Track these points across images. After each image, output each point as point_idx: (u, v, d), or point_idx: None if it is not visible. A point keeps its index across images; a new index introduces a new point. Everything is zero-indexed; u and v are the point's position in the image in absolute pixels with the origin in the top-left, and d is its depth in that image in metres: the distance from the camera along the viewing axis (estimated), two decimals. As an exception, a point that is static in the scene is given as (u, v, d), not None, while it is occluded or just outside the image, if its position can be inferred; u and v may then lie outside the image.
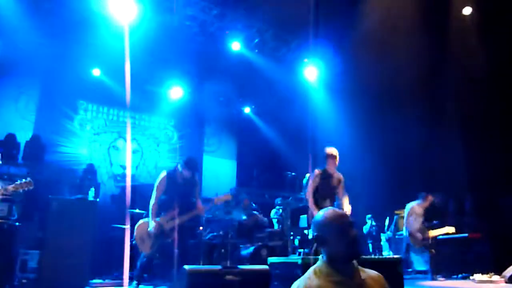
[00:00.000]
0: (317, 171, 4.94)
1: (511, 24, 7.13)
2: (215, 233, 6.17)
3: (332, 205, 4.82)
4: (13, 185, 4.10)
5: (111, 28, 7.11)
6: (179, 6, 7.69)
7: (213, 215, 6.47)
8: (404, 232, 6.71)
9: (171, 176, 4.70)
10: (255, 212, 6.82)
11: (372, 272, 1.85)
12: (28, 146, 7.22)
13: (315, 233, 1.83)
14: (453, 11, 8.10)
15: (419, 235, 6.47)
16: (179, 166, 4.73)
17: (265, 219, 6.89)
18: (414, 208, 6.63)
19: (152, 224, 4.54)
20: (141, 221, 4.76)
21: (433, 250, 6.38)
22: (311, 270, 1.79)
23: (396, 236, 8.56)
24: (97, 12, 7.08)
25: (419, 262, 7.25)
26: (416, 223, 6.52)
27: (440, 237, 6.72)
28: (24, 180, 4.19)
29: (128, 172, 8.50)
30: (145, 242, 4.60)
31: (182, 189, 4.69)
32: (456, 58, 8.02)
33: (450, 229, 6.53)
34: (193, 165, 4.78)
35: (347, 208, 4.86)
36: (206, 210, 5.11)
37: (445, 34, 8.12)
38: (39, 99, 8.07)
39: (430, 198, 6.71)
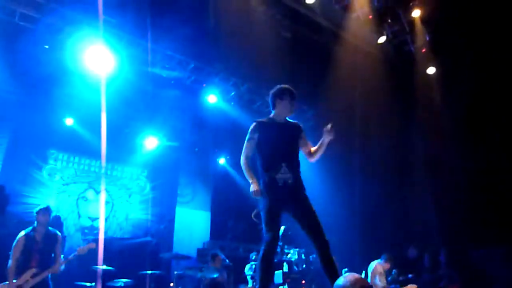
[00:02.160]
0: None
1: (471, 80, 7.61)
2: (186, 290, 5.89)
3: None
4: None
5: (86, 78, 7.13)
6: (156, 59, 7.85)
7: (184, 272, 6.21)
8: None
9: (29, 236, 4.75)
10: (225, 269, 6.61)
11: None
12: (-9, 197, 6.88)
13: None
14: (418, 72, 8.63)
15: None
16: (35, 224, 4.80)
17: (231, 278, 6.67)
18: (377, 267, 6.70)
19: (9, 285, 4.46)
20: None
21: None
22: None
23: (373, 290, 8.43)
24: (72, 63, 7.11)
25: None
26: (381, 282, 6.59)
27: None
28: None
29: (101, 225, 8.16)
30: None
31: (40, 247, 4.73)
32: (423, 115, 8.41)
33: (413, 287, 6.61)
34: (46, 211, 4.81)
35: None
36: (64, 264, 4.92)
37: (411, 94, 8.56)
38: (6, 148, 7.82)
39: (391, 261, 6.82)
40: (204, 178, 10.68)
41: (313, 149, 3.55)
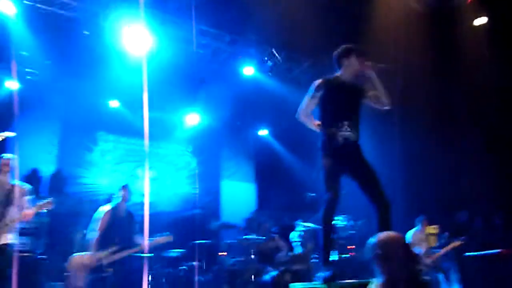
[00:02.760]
0: None
1: None
2: (237, 259, 6.11)
3: None
4: (35, 206, 4.10)
5: (126, 59, 7.31)
6: (191, 35, 7.88)
7: (233, 241, 6.43)
8: None
9: (115, 210, 4.83)
10: (274, 235, 6.74)
11: None
12: (51, 180, 7.41)
13: (376, 252, 1.80)
14: (464, 23, 8.05)
15: (427, 260, 6.41)
16: (119, 199, 4.88)
17: (284, 243, 6.78)
18: (415, 235, 6.58)
19: (92, 257, 4.51)
20: (75, 255, 4.78)
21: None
22: None
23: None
24: (112, 45, 7.31)
25: (448, 282, 6.99)
26: (423, 249, 6.50)
27: (470, 254, 6.52)
28: (45, 200, 4.21)
29: (146, 201, 8.54)
30: (78, 276, 4.52)
31: (124, 223, 4.76)
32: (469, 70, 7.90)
33: (455, 244, 6.47)
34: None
35: None
36: None
37: (456, 49, 8.03)
38: (60, 133, 8.31)
39: (427, 222, 6.73)
40: (246, 150, 10.83)
41: (374, 94, 3.46)
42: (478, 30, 8.02)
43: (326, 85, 3.41)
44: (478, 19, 8.01)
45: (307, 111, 3.47)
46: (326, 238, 3.14)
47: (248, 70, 8.82)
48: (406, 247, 1.79)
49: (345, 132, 3.24)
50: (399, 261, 1.73)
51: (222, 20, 7.78)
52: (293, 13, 7.31)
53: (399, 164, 8.55)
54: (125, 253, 4.62)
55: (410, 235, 6.65)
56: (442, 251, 6.50)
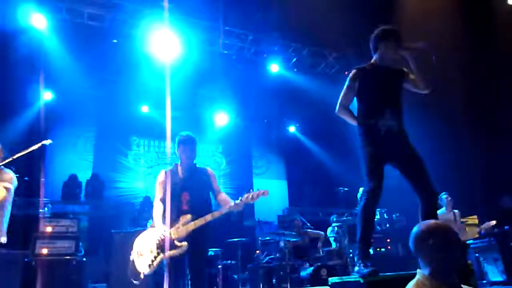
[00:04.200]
0: None
1: None
2: (272, 256, 6.13)
3: None
4: None
5: (155, 64, 7.47)
6: (216, 37, 7.97)
7: (267, 238, 6.45)
8: None
9: (173, 171, 3.66)
10: (308, 230, 6.71)
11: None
12: (88, 185, 7.69)
13: (426, 241, 1.76)
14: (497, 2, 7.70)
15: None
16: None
17: (321, 232, 6.71)
18: (444, 217, 6.17)
19: (159, 230, 3.42)
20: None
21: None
22: (413, 285, 1.74)
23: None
24: (140, 51, 7.49)
25: (493, 273, 6.72)
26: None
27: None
28: None
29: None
30: (144, 257, 3.47)
31: (189, 184, 3.55)
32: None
33: (491, 223, 6.14)
34: (188, 139, 3.70)
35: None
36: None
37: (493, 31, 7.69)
38: (95, 140, 8.61)
39: (448, 198, 6.31)
40: (276, 148, 10.83)
41: (413, 77, 3.26)
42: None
43: (361, 74, 3.23)
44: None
45: (346, 104, 3.26)
46: (366, 231, 3.02)
47: (274, 67, 8.82)
48: (456, 236, 1.74)
49: (387, 121, 3.09)
50: (451, 250, 1.68)
51: (244, 19, 7.81)
52: (315, 7, 7.24)
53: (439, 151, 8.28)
54: (201, 222, 3.38)
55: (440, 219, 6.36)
56: (474, 231, 6.12)
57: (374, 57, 3.34)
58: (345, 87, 3.27)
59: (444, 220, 6.10)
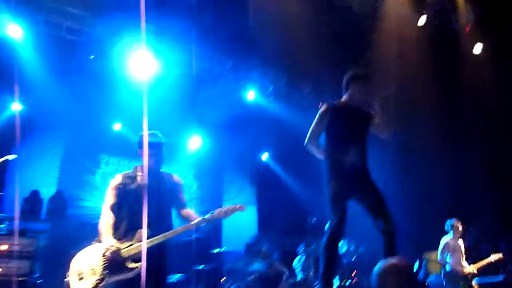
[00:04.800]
0: None
1: None
2: (237, 284, 6.01)
3: None
4: None
5: (130, 83, 7.41)
6: (195, 60, 8.02)
7: (234, 266, 6.33)
8: (443, 272, 6.08)
9: (131, 175, 3.24)
10: (275, 262, 6.65)
11: None
12: (51, 202, 7.37)
13: (377, 283, 1.78)
14: (463, 52, 8.18)
15: (459, 269, 5.92)
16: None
17: (285, 270, 6.66)
18: (447, 244, 6.04)
19: (105, 246, 2.92)
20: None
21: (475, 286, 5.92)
22: None
23: (426, 283, 8.09)
24: (116, 69, 7.43)
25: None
26: (454, 259, 5.97)
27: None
28: None
29: (145, 223, 8.48)
30: (85, 281, 2.93)
31: (150, 191, 3.01)
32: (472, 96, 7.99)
33: (496, 256, 6.03)
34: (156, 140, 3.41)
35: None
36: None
37: (458, 75, 8.13)
38: (63, 156, 8.33)
39: (458, 224, 6.10)
40: (248, 174, 10.81)
41: (377, 121, 3.46)
42: (478, 56, 8.15)
43: (332, 110, 3.38)
44: (476, 46, 8.15)
45: (315, 137, 3.40)
46: (330, 265, 3.08)
47: (250, 95, 8.92)
48: (411, 277, 1.76)
49: (352, 157, 3.22)
50: None
51: (224, 45, 7.92)
52: (295, 39, 7.45)
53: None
54: (160, 239, 3.00)
55: (442, 243, 6.13)
56: (479, 264, 5.97)
57: (344, 96, 3.52)
58: (315, 120, 3.41)
59: (446, 246, 6.00)
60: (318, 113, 3.40)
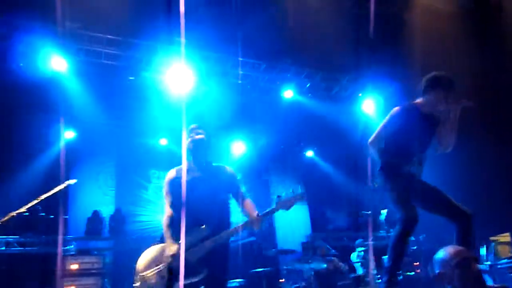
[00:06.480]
0: None
1: None
2: (297, 285, 6.00)
3: None
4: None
5: (171, 98, 7.63)
6: (229, 67, 8.14)
7: (292, 266, 6.33)
8: None
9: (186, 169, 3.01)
10: (333, 258, 6.57)
11: None
12: (112, 220, 7.76)
13: (438, 271, 1.77)
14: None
15: None
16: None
17: (345, 265, 6.56)
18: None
19: (170, 249, 2.84)
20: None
21: None
22: None
23: (499, 266, 7.65)
24: (156, 86, 7.68)
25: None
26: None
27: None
28: None
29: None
30: (155, 284, 2.83)
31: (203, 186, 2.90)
32: None
33: None
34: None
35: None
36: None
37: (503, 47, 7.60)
38: (116, 175, 8.73)
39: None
40: (294, 173, 10.75)
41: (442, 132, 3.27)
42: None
43: (405, 115, 3.24)
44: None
45: (381, 138, 3.28)
46: (398, 260, 3.00)
47: (288, 94, 8.89)
48: (477, 265, 1.70)
49: (412, 166, 3.16)
50: (469, 281, 1.64)
51: (256, 49, 7.96)
52: (327, 31, 7.34)
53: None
54: (220, 239, 2.93)
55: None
56: None
57: (421, 99, 3.33)
58: (385, 121, 3.29)
59: None
60: (390, 116, 3.27)
